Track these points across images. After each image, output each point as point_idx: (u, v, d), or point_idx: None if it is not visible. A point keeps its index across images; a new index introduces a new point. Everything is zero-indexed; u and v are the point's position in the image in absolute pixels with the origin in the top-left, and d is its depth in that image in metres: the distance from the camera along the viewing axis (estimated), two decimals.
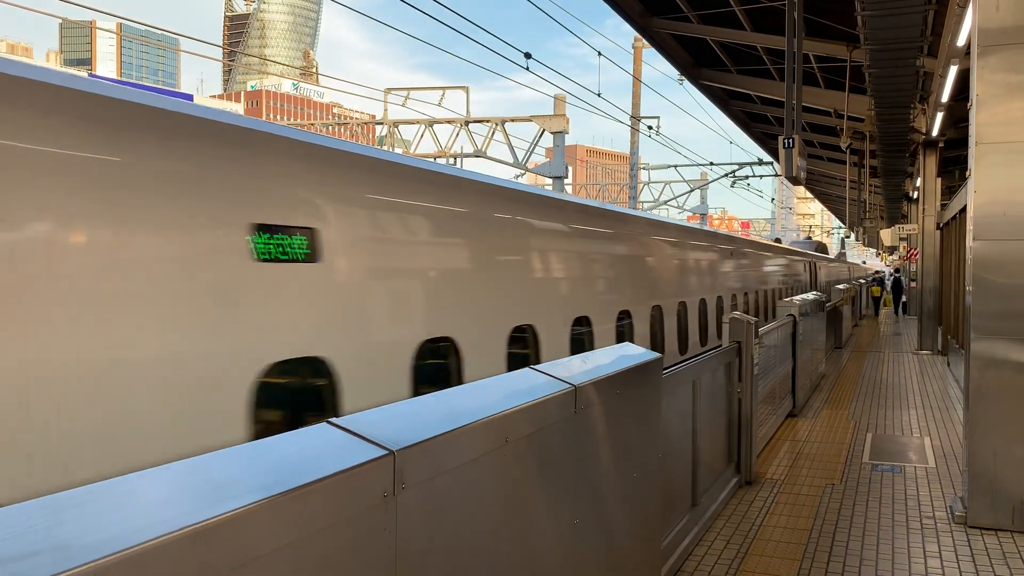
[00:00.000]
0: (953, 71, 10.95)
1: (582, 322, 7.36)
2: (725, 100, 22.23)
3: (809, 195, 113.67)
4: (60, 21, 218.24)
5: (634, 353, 4.04)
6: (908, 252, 30.80)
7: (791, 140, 8.87)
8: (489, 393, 2.78)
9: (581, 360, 3.69)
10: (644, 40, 19.77)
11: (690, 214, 55.53)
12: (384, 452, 1.92)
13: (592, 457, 3.30)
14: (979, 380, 5.67)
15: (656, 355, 4.10)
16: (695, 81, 19.60)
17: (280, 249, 3.86)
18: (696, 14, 14.93)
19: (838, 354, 17.13)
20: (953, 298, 15.01)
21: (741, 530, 5.71)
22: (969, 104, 5.80)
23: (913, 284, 31.25)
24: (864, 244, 56.71)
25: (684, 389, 5.21)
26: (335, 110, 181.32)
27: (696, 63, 18.80)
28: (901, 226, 24.52)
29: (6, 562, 1.20)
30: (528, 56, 15.40)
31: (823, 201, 54.88)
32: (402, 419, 2.24)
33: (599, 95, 20.16)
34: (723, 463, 6.59)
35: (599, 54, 19.93)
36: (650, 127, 26.24)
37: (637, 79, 25.47)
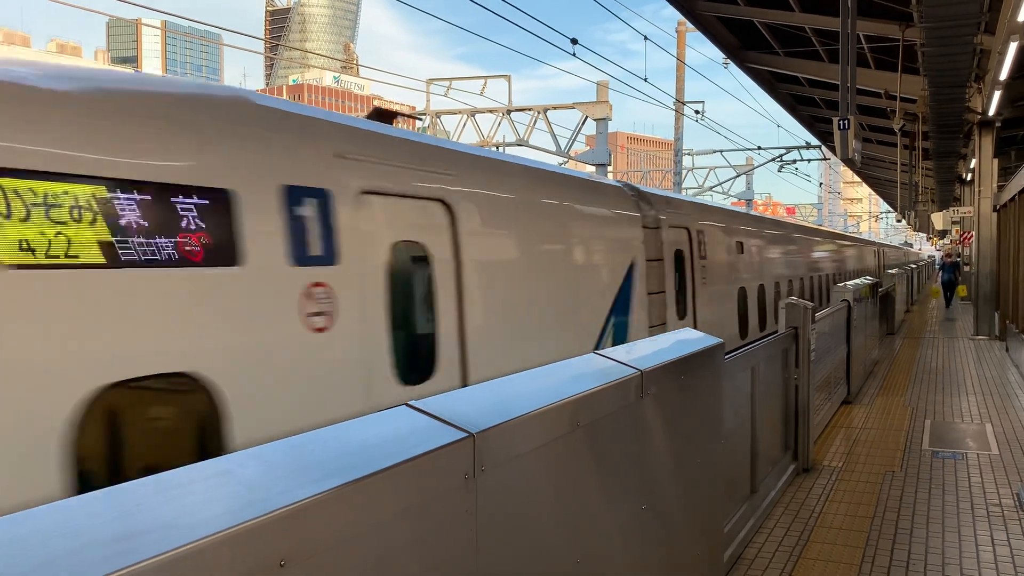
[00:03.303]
0: (1013, 48, 10.63)
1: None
2: (772, 83, 21.87)
3: (857, 179, 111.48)
4: (107, 20, 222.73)
5: (696, 338, 4.00)
6: (961, 235, 30.06)
7: (846, 121, 8.69)
8: (559, 377, 2.78)
9: (644, 345, 3.67)
10: (689, 24, 19.52)
11: (735, 200, 54.86)
12: (464, 435, 1.92)
13: (659, 442, 3.28)
14: None
15: (718, 340, 4.06)
16: (741, 64, 19.31)
17: None
18: None
19: (891, 340, 16.82)
20: (1012, 282, 14.62)
21: (801, 517, 5.64)
22: None
23: (967, 268, 30.52)
24: (914, 228, 55.47)
25: (743, 375, 5.16)
26: (375, 102, 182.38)
27: (743, 46, 18.52)
28: (955, 209, 23.91)
29: (117, 540, 1.22)
30: (575, 42, 15.30)
31: (871, 185, 53.79)
32: (478, 402, 2.25)
33: (645, 80, 19.97)
34: (780, 450, 6.51)
35: (645, 38, 19.72)
36: (697, 112, 25.93)
37: (681, 62, 25.16)
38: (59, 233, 2.93)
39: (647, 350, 3.50)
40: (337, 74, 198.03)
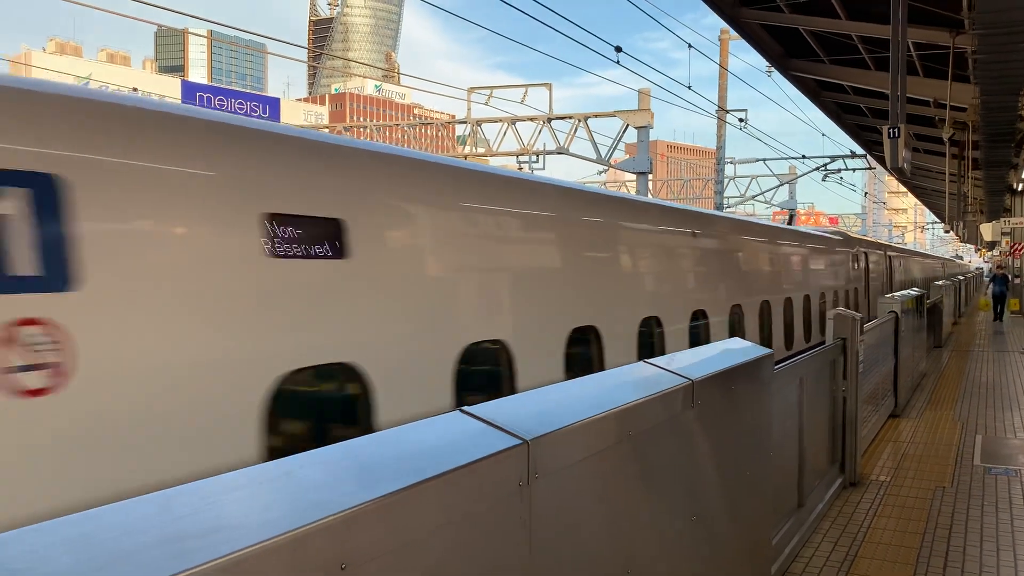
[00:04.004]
0: None
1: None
2: (816, 91, 21.59)
3: (902, 189, 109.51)
4: (155, 29, 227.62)
5: (745, 348, 3.95)
6: (1011, 247, 29.34)
7: (896, 130, 8.54)
8: (609, 385, 2.76)
9: (693, 354, 3.64)
10: (732, 32, 19.38)
11: (777, 209, 54.27)
12: (519, 441, 1.92)
13: (708, 452, 3.24)
14: None
15: (768, 351, 4.00)
16: (785, 72, 19.08)
17: None
18: (788, 3, 14.53)
19: (938, 352, 16.46)
20: None
21: (848, 532, 5.53)
22: None
23: (1017, 280, 29.78)
24: (962, 239, 54.33)
25: (791, 386, 5.08)
26: (416, 111, 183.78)
27: (787, 53, 18.31)
28: (1006, 219, 23.35)
29: (181, 540, 1.24)
30: (619, 50, 15.25)
31: (918, 195, 52.80)
32: (531, 409, 2.24)
33: (689, 87, 19.84)
34: (827, 463, 6.40)
35: (689, 46, 19.62)
36: (741, 120, 25.71)
37: (724, 68, 24.99)
38: None
39: (697, 359, 3.46)
40: (378, 83, 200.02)
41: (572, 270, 6.05)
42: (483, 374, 4.97)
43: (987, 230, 30.39)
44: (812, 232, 15.12)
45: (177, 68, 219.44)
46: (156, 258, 3.03)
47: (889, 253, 22.70)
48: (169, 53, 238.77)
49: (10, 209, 2.66)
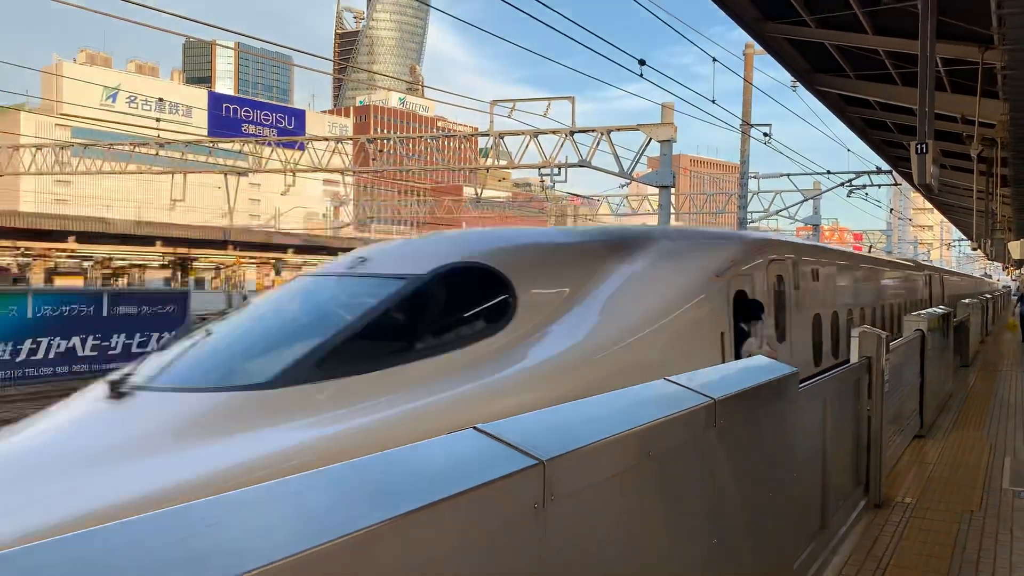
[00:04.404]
0: None
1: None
2: (842, 106, 21.40)
3: (927, 206, 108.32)
4: (184, 41, 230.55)
5: (769, 366, 3.87)
6: None
7: (924, 146, 8.41)
8: (629, 403, 2.69)
9: (716, 372, 3.57)
10: (757, 46, 19.27)
11: (800, 225, 53.80)
12: (534, 462, 1.86)
13: (730, 473, 3.16)
14: None
15: (793, 369, 3.92)
16: (811, 87, 18.94)
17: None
18: (814, 18, 14.41)
19: (965, 372, 16.19)
20: None
21: (873, 556, 5.41)
22: None
23: None
24: (989, 257, 53.62)
25: (816, 405, 4.98)
26: (439, 123, 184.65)
27: (813, 68, 18.18)
28: None
29: (188, 562, 1.19)
30: (642, 63, 15.22)
31: (944, 212, 52.18)
32: (546, 428, 2.18)
33: (713, 101, 19.76)
34: (851, 484, 6.27)
35: (714, 60, 19.54)
36: (766, 135, 25.55)
37: (748, 82, 24.87)
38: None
39: (719, 377, 3.39)
40: (402, 95, 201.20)
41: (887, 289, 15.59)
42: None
43: (1016, 248, 29.91)
44: (907, 261, 24.54)
45: (204, 79, 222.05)
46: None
47: (944, 275, 29.25)
48: (197, 64, 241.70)
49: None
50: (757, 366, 3.85)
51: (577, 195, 48.90)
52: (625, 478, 2.28)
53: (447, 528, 1.56)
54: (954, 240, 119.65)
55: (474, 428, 1.99)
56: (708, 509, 2.96)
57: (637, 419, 2.39)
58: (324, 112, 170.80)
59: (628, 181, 24.83)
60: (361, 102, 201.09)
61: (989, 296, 29.94)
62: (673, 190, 25.59)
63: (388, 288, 5.60)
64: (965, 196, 28.22)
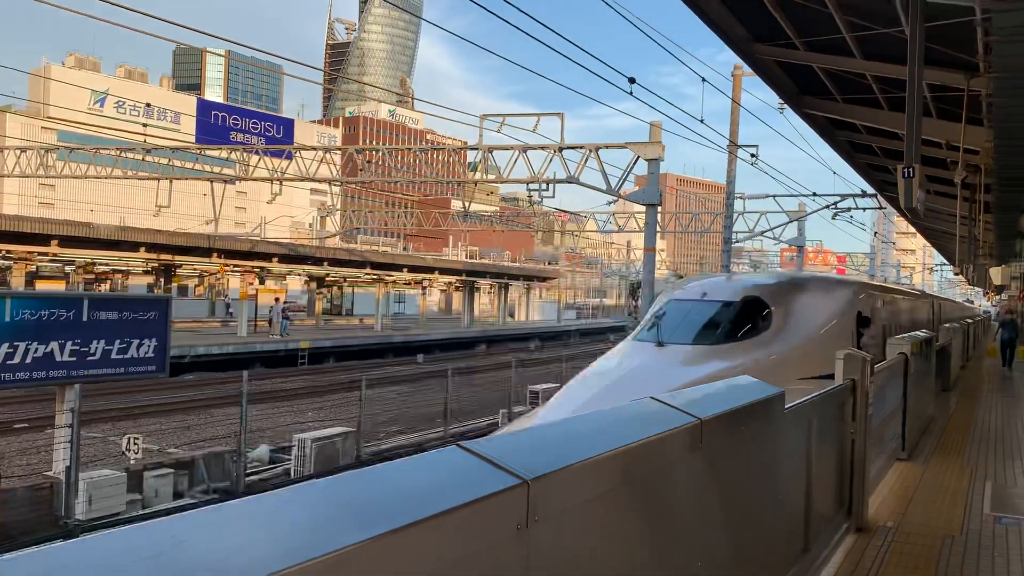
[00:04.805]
0: None
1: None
2: (829, 129, 21.57)
3: (911, 230, 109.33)
4: (174, 48, 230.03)
5: (755, 386, 3.84)
6: (1021, 291, 29.15)
7: (911, 170, 8.47)
8: (614, 422, 2.65)
9: (702, 392, 3.53)
10: (746, 67, 19.41)
11: (785, 246, 54.04)
12: (518, 481, 1.81)
13: (715, 494, 3.12)
14: None
15: (779, 390, 3.89)
16: (798, 109, 19.08)
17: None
18: (803, 41, 14.54)
19: (946, 396, 16.25)
20: None
21: None
22: None
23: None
24: (971, 282, 54.08)
25: (801, 426, 4.95)
26: (428, 136, 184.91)
27: (800, 91, 18.32)
28: (1017, 264, 23.20)
29: None
30: (632, 81, 15.29)
31: (927, 236, 52.65)
32: (531, 446, 2.13)
33: (702, 121, 19.88)
34: (834, 507, 6.24)
35: (703, 80, 19.67)
36: (753, 155, 25.74)
37: (736, 103, 25.05)
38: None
39: (705, 397, 3.35)
40: (392, 107, 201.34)
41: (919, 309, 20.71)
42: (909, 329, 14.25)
43: (996, 274, 30.20)
44: (920, 291, 31.40)
45: (194, 86, 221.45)
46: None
47: (942, 301, 33.59)
48: (186, 71, 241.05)
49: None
50: (743, 386, 3.82)
51: (564, 211, 48.99)
52: (609, 499, 2.24)
53: (428, 549, 1.51)
54: (936, 265, 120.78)
55: (457, 445, 1.94)
56: (693, 532, 2.92)
57: (622, 438, 2.35)
58: (313, 122, 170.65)
59: (615, 198, 24.91)
60: (351, 113, 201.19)
61: (971, 321, 30.18)
62: (660, 208, 25.66)
63: (728, 306, 11.48)
64: (948, 221, 28.48)
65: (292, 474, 12.80)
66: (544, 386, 20.02)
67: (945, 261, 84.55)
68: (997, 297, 55.23)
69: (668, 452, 2.62)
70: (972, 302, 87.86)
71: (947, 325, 20.36)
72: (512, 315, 67.73)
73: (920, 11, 8.53)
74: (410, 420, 22.28)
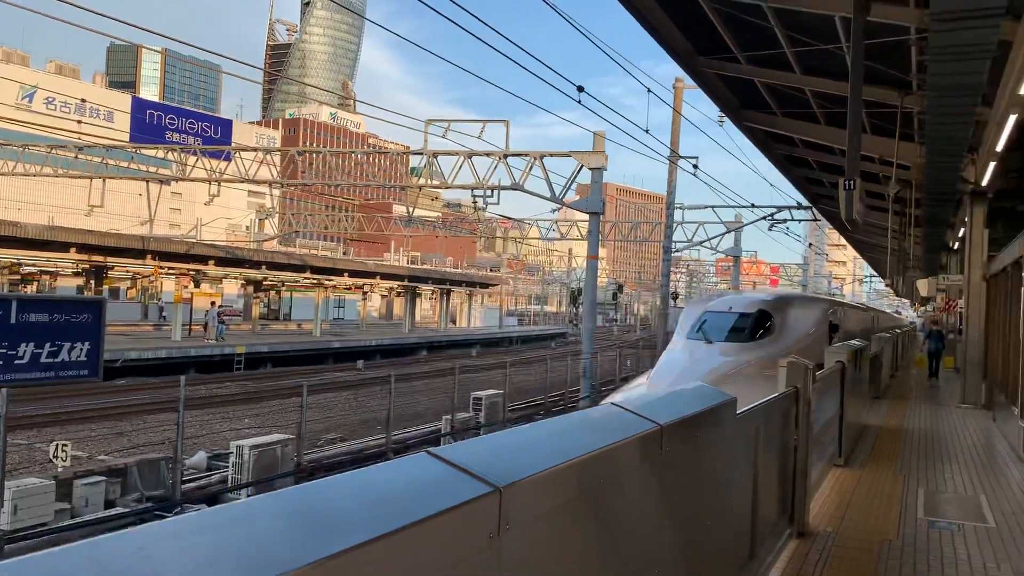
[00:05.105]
0: (1012, 120, 10.75)
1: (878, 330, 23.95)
2: (767, 142, 22.07)
3: (841, 242, 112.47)
4: (108, 44, 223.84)
5: (710, 393, 3.88)
6: (946, 303, 30.17)
7: (852, 183, 8.70)
8: (579, 428, 2.63)
9: (660, 399, 3.55)
10: (688, 80, 19.73)
11: (721, 256, 55.05)
12: (490, 488, 1.78)
13: (673, 500, 3.14)
14: None
15: (731, 397, 3.94)
16: (738, 122, 19.48)
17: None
18: (745, 55, 14.85)
19: (878, 404, 16.73)
20: (1000, 352, 14.63)
21: None
22: None
23: (951, 336, 30.58)
24: (898, 294, 55.84)
25: (750, 433, 5.02)
26: (370, 140, 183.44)
27: (741, 104, 18.70)
28: (945, 276, 24.03)
29: None
30: (581, 90, 15.39)
31: (858, 249, 54.25)
32: (501, 452, 2.10)
33: (647, 131, 20.13)
34: (777, 513, 6.34)
35: (648, 91, 19.94)
36: (695, 166, 26.18)
37: (678, 112, 25.44)
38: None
39: (663, 404, 3.37)
40: (334, 110, 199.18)
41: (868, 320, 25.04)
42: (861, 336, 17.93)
43: (923, 286, 31.20)
44: (866, 305, 36.35)
45: (129, 84, 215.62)
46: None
47: (880, 313, 36.65)
48: (121, 68, 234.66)
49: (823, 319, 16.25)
50: (698, 393, 3.85)
51: (508, 217, 49.08)
52: (577, 505, 2.22)
53: (405, 559, 1.47)
54: (866, 276, 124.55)
55: (426, 451, 1.90)
56: (652, 537, 2.92)
57: (590, 444, 2.33)
58: (252, 123, 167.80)
59: (559, 206, 25.04)
60: (291, 115, 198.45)
61: (899, 331, 31.17)
62: (603, 217, 25.88)
63: (746, 316, 14.99)
64: (879, 234, 29.38)
65: (230, 482, 12.49)
66: (487, 392, 19.99)
67: (874, 273, 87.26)
68: (923, 308, 57.19)
69: (632, 457, 2.62)
70: (900, 313, 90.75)
71: (880, 335, 21.01)
72: (454, 321, 67.66)
73: (862, 29, 8.78)
74: (350, 427, 22.00)
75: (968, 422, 14.49)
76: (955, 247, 27.66)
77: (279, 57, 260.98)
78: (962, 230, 21.85)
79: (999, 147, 12.25)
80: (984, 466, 10.29)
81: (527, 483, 1.92)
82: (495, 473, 1.84)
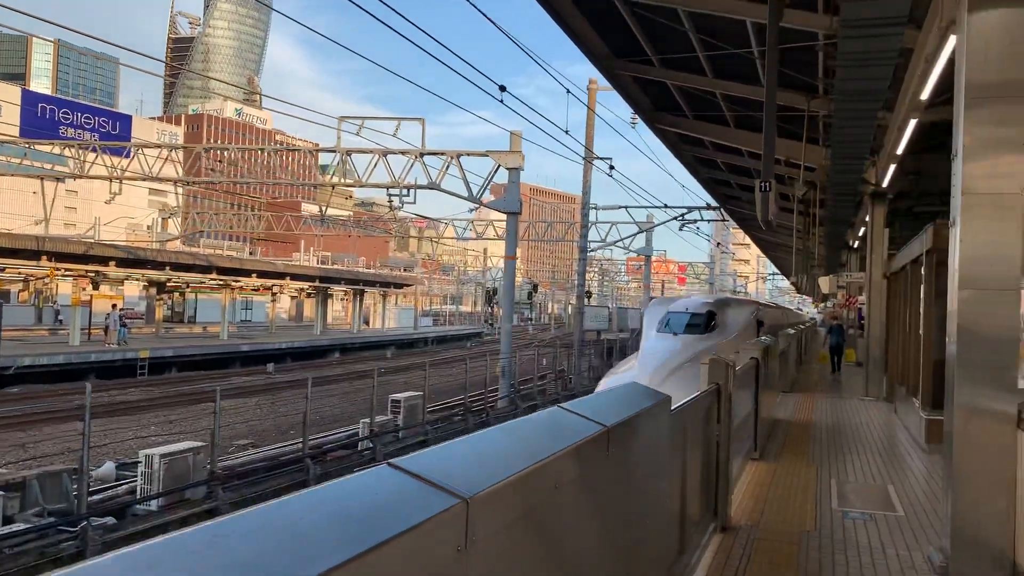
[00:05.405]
0: (912, 124, 11.26)
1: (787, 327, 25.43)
2: (678, 145, 22.54)
3: (746, 241, 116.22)
4: None
5: (646, 393, 3.90)
6: (847, 299, 31.47)
7: (768, 184, 8.95)
8: (533, 433, 2.59)
9: (600, 399, 3.54)
10: (603, 82, 19.97)
11: (632, 255, 55.95)
12: (457, 500, 1.71)
13: (617, 500, 3.13)
14: (963, 430, 5.67)
15: (666, 396, 3.97)
16: (651, 124, 19.82)
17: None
18: (659, 58, 15.11)
19: (787, 398, 17.30)
20: (900, 346, 15.32)
21: None
22: (952, 155, 5.87)
23: (851, 331, 31.93)
24: (800, 291, 58.06)
25: (679, 431, 5.08)
26: (278, 137, 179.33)
27: (655, 107, 19.04)
28: (847, 274, 25.04)
29: None
30: (503, 89, 15.37)
31: (762, 248, 56.11)
32: (464, 462, 2.03)
33: (567, 132, 20.28)
34: (701, 508, 6.45)
35: (567, 91, 20.09)
36: (611, 167, 26.53)
37: (592, 110, 25.75)
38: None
39: (605, 405, 3.36)
40: (239, 106, 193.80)
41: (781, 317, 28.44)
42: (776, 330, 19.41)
43: (825, 283, 32.51)
44: (779, 305, 41.18)
45: (18, 76, 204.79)
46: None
47: (785, 310, 39.53)
48: (9, 59, 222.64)
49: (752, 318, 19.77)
50: (635, 394, 3.86)
51: (424, 217, 48.76)
52: (538, 512, 2.17)
53: None
54: (769, 274, 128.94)
55: (388, 463, 1.81)
56: (599, 539, 2.90)
57: (547, 449, 2.29)
58: (153, 119, 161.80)
59: (477, 206, 25.01)
60: (194, 110, 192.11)
61: (803, 327, 32.38)
62: (521, 216, 25.96)
63: (699, 313, 18.74)
64: (784, 234, 30.43)
65: (139, 493, 11.97)
66: (406, 394, 19.77)
67: (777, 271, 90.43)
68: (823, 304, 59.55)
69: (585, 460, 2.59)
70: (802, 310, 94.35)
71: (787, 331, 21.75)
72: (367, 322, 66.81)
73: (776, 34, 9.04)
74: (262, 432, 21.44)
75: (872, 414, 15.13)
76: (855, 246, 28.92)
77: (181, 51, 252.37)
78: (862, 229, 22.84)
79: (899, 150, 12.82)
80: (889, 456, 10.74)
81: (494, 492, 1.87)
82: (461, 484, 1.78)
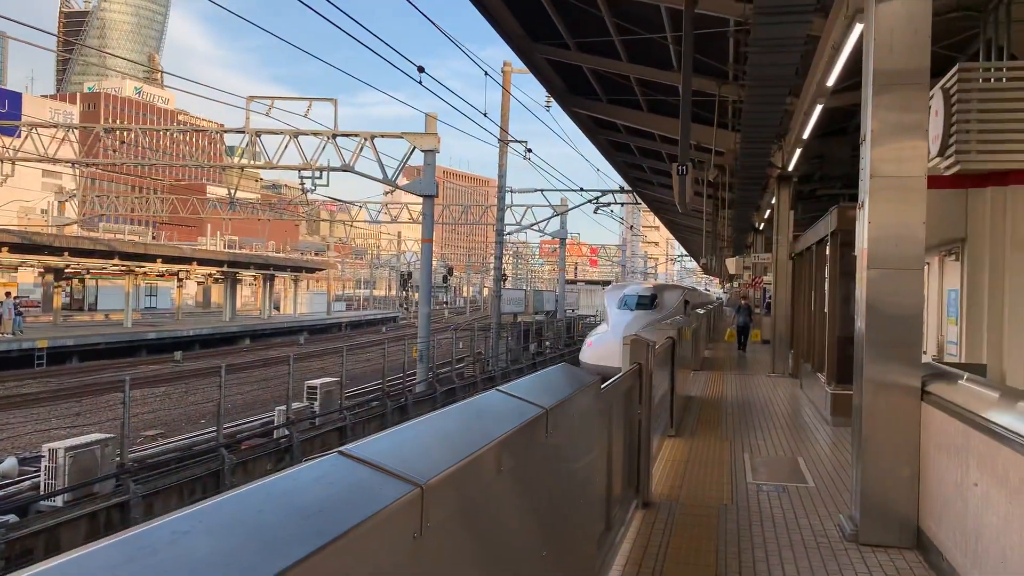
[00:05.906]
0: (818, 110, 11.66)
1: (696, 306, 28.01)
2: (592, 128, 22.77)
3: (656, 224, 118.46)
4: None
5: (578, 375, 3.94)
6: (752, 280, 32.51)
7: (685, 168, 9.14)
8: (476, 417, 2.59)
9: (535, 381, 3.56)
10: (518, 64, 19.97)
11: (547, 238, 56.37)
12: (412, 487, 1.70)
13: (553, 482, 3.16)
14: (871, 403, 5.94)
15: (596, 378, 4.02)
16: (566, 108, 19.96)
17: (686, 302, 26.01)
18: (575, 41, 15.21)
19: (698, 375, 17.79)
20: (805, 324, 15.92)
21: (650, 553, 5.71)
22: (861, 140, 6.12)
23: (757, 310, 33.05)
24: (707, 272, 59.64)
25: (606, 411, 5.16)
26: (180, 117, 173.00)
27: (569, 90, 19.16)
28: (756, 255, 25.85)
29: None
30: (421, 70, 15.19)
31: (672, 230, 57.36)
32: (414, 448, 2.01)
33: (485, 115, 20.20)
34: (624, 486, 6.58)
35: (486, 74, 20.00)
36: (529, 150, 26.59)
37: (507, 91, 25.74)
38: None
39: (541, 387, 3.38)
40: (139, 85, 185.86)
41: (697, 297, 32.13)
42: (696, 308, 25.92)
43: (732, 264, 33.54)
44: (687, 285, 46.50)
45: None
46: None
47: (699, 292, 42.53)
48: None
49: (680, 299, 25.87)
50: (568, 376, 3.90)
51: (336, 199, 47.89)
52: (482, 496, 2.17)
53: (342, 570, 1.38)
54: (677, 256, 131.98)
55: (339, 452, 1.78)
56: (539, 521, 2.93)
57: (492, 432, 2.29)
58: (46, 96, 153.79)
59: (392, 189, 24.71)
60: (91, 88, 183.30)
61: (711, 306, 33.32)
62: (438, 200, 25.80)
63: (646, 294, 25.46)
64: (694, 217, 31.16)
65: (43, 488, 11.45)
66: (322, 380, 19.48)
67: (685, 252, 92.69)
68: (729, 285, 61.35)
69: (527, 443, 2.61)
70: (708, 290, 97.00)
71: (698, 311, 22.39)
72: (278, 308, 65.46)
73: (692, 20, 9.21)
74: (171, 423, 20.81)
75: (779, 390, 15.70)
76: (761, 227, 29.89)
77: (75, 26, 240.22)
78: (768, 211, 23.59)
79: (805, 135, 13.27)
80: (797, 429, 11.18)
81: (446, 477, 1.86)
82: (415, 470, 1.77)
